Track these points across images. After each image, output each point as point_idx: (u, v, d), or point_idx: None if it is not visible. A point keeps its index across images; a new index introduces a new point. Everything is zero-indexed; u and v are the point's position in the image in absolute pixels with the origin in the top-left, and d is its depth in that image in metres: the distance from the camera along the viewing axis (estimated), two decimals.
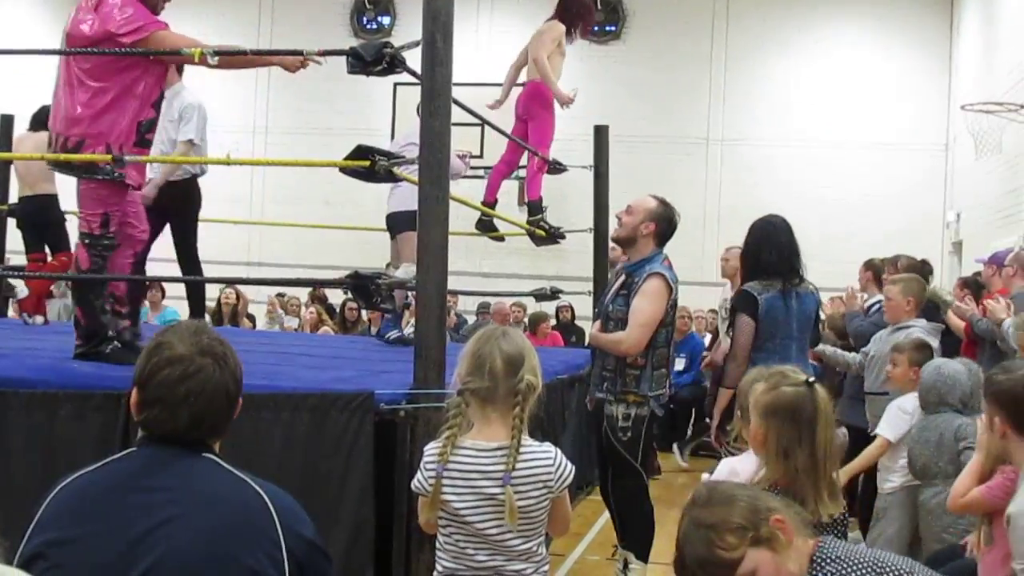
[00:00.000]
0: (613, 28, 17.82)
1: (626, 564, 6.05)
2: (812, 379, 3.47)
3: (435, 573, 3.60)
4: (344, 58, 5.25)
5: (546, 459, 3.46)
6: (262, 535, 2.39)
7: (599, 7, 17.39)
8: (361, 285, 5.36)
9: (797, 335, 6.12)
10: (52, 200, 8.87)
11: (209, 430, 2.52)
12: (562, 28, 9.00)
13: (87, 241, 5.53)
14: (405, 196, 8.15)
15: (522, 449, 3.42)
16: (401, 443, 4.66)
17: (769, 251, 6.18)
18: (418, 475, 3.55)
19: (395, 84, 15.37)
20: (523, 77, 9.25)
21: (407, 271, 8.02)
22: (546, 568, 3.60)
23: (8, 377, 4.99)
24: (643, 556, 5.99)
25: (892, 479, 5.88)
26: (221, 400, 2.51)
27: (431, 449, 3.54)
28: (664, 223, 6.09)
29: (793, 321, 6.09)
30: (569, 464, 3.51)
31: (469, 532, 3.46)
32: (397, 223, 8.32)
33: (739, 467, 3.89)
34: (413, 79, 5.25)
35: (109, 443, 4.44)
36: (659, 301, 5.83)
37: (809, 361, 6.18)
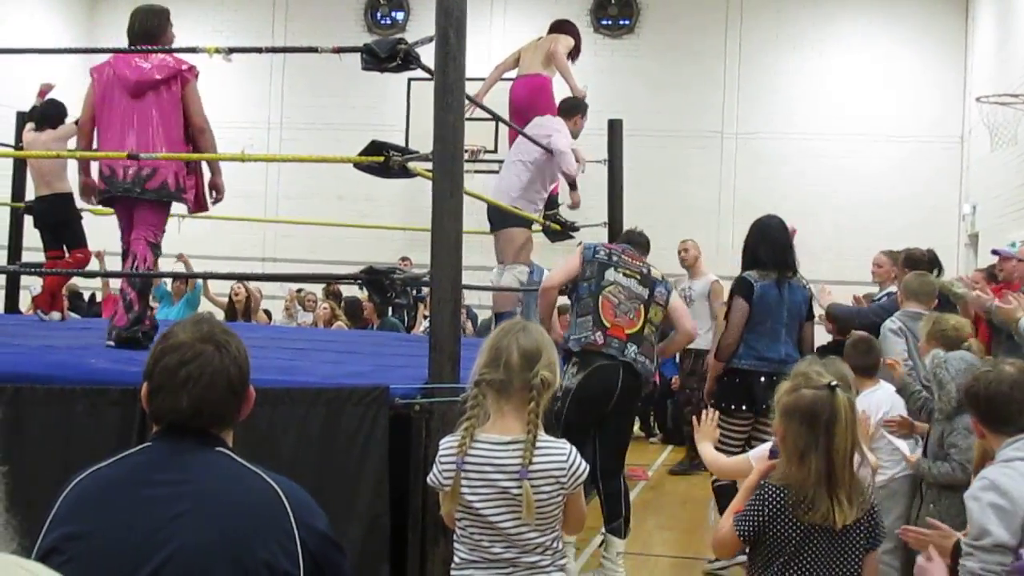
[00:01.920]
0: (627, 22, 17.79)
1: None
2: (836, 383, 3.49)
3: (453, 563, 3.63)
4: (358, 54, 5.28)
5: (560, 456, 3.49)
6: (276, 528, 2.41)
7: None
8: (375, 280, 5.38)
9: (787, 321, 6.83)
10: (68, 198, 8.92)
11: (213, 418, 2.53)
12: (572, 42, 9.32)
13: (157, 249, 6.44)
14: (501, 189, 8.26)
15: (537, 444, 3.45)
16: (416, 437, 4.68)
17: (766, 247, 6.89)
18: (434, 469, 3.58)
19: (409, 80, 15.38)
20: (510, 74, 9.42)
21: (514, 273, 8.22)
22: (563, 562, 3.62)
23: (25, 373, 5.02)
24: (618, 532, 6.54)
25: (883, 472, 5.88)
26: (221, 385, 2.52)
27: (448, 443, 3.57)
28: None
29: (784, 309, 6.81)
30: (583, 462, 3.53)
31: (483, 524, 3.49)
32: (494, 218, 8.51)
33: None
34: (427, 75, 5.27)
35: (126, 438, 4.46)
36: (569, 262, 6.81)
37: (794, 346, 6.87)
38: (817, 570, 3.43)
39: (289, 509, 2.43)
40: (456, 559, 3.60)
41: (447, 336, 4.75)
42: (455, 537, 3.62)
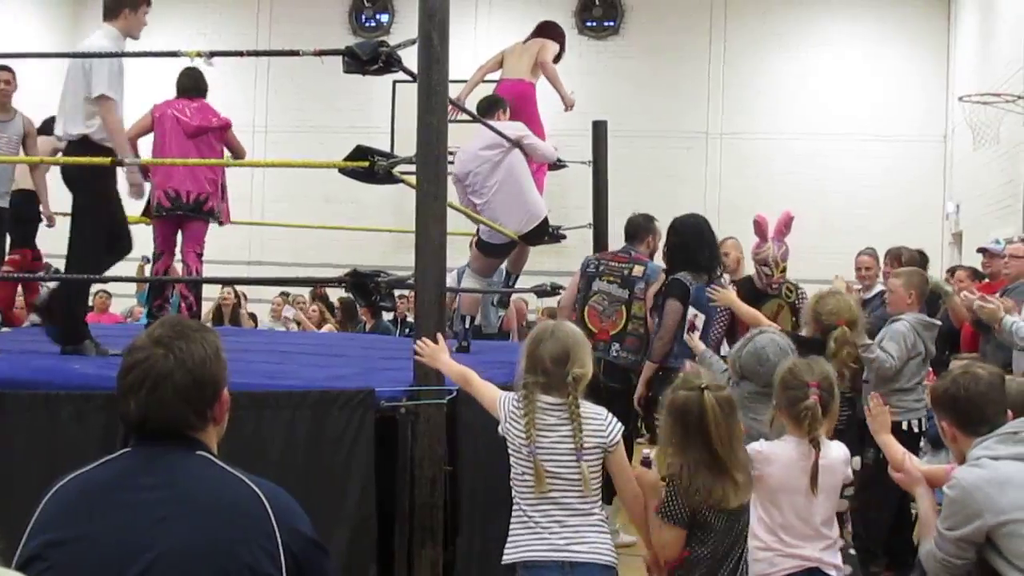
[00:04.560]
0: (612, 23, 17.82)
1: None
2: (705, 385, 4.00)
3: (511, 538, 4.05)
4: (340, 58, 5.28)
5: (598, 418, 4.02)
6: (258, 531, 2.39)
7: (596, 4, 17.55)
8: (360, 283, 5.38)
9: (712, 322, 7.15)
10: (33, 196, 8.91)
11: (165, 423, 2.47)
12: (558, 47, 9.19)
13: (202, 257, 8.10)
14: (522, 215, 7.87)
15: (582, 417, 3.97)
16: (402, 440, 4.68)
17: (706, 250, 7.15)
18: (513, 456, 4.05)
19: (394, 82, 15.39)
20: (492, 76, 9.33)
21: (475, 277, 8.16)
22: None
23: (9, 378, 5.00)
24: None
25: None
26: (167, 390, 2.45)
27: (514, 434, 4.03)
28: None
29: (714, 311, 7.05)
30: (617, 421, 4.07)
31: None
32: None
33: (768, 450, 4.33)
34: (411, 78, 5.26)
35: (111, 443, 4.43)
36: (573, 279, 7.84)
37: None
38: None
39: (271, 512, 2.42)
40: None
41: (432, 338, 4.75)
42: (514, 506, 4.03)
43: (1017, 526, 3.50)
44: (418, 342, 4.61)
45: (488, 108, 8.25)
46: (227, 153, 8.35)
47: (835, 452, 4.40)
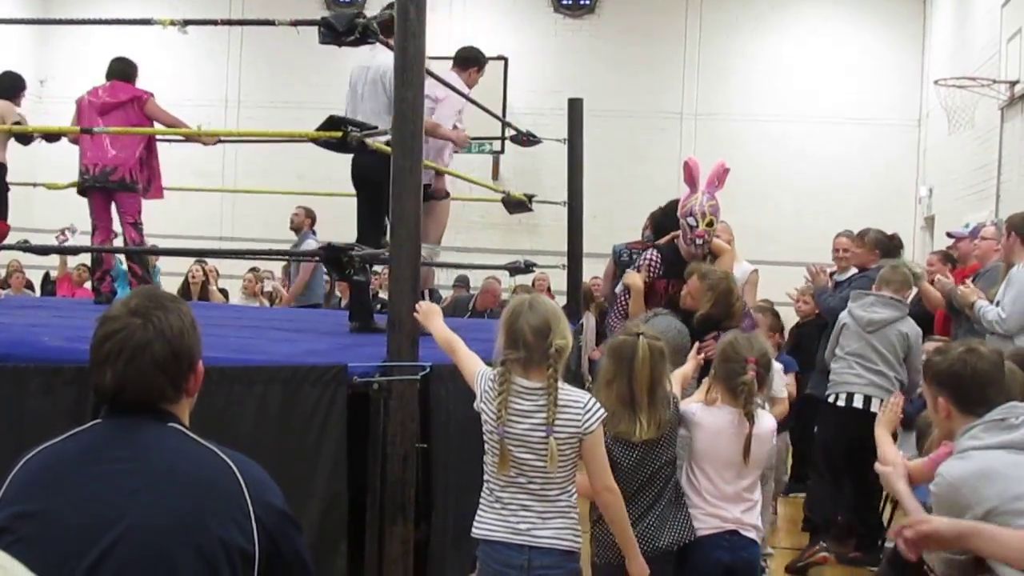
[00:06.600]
0: (587, 2, 17.79)
1: None
2: (641, 332, 4.40)
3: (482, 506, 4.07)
4: (316, 29, 5.22)
5: (577, 404, 3.92)
6: (230, 504, 2.36)
7: None
8: (335, 257, 5.33)
9: None
10: (2, 168, 8.85)
11: (142, 394, 2.45)
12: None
13: (139, 227, 8.43)
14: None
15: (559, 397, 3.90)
16: (374, 416, 4.64)
17: None
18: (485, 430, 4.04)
19: None
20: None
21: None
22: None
23: None
24: None
25: None
26: (145, 360, 2.43)
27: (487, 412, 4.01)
28: None
29: None
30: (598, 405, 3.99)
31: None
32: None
33: (701, 414, 4.57)
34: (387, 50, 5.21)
35: (80, 417, 4.38)
36: None
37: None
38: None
39: (244, 485, 2.39)
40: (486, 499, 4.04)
41: (406, 314, 4.71)
42: (485, 481, 4.05)
43: (1004, 517, 3.43)
44: (417, 304, 4.60)
45: (464, 61, 8.07)
46: (207, 129, 8.48)
47: (765, 423, 4.61)
